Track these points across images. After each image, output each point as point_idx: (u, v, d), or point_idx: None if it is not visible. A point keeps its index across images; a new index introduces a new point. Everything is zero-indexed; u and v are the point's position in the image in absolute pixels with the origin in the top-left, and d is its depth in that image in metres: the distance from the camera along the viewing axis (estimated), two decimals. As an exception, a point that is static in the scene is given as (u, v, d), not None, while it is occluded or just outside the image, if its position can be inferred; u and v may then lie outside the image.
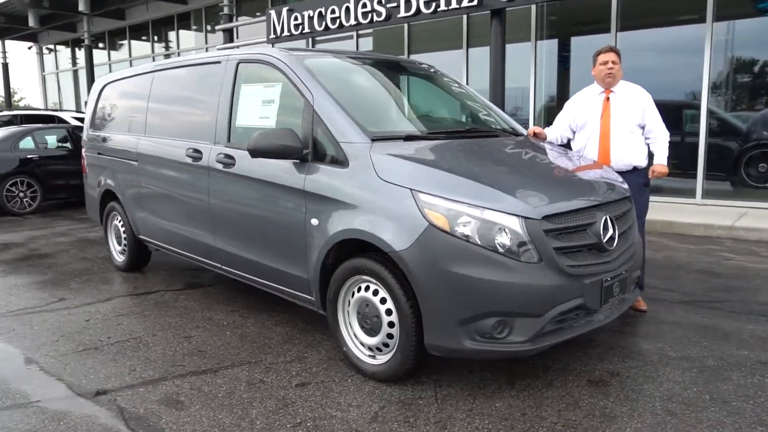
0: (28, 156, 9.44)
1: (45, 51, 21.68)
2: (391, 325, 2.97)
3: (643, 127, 4.11)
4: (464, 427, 2.62)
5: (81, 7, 14.43)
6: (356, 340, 3.19)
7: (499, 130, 3.98)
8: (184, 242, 4.48)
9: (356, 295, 3.13)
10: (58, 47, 21.04)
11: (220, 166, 3.92)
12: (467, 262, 2.69)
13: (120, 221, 5.39)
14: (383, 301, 2.99)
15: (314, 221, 3.24)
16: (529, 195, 2.86)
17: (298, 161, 3.35)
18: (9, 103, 20.31)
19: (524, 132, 4.20)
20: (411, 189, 2.84)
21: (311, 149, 3.30)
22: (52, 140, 9.93)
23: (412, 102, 3.98)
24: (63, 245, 6.80)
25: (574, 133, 4.31)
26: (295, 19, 10.24)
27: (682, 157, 8.11)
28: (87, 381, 3.15)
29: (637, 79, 4.24)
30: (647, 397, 2.87)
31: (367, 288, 3.07)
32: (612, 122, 4.09)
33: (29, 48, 21.63)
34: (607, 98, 4.15)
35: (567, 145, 4.38)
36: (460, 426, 2.63)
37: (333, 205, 3.14)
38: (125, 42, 17.92)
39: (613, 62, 4.08)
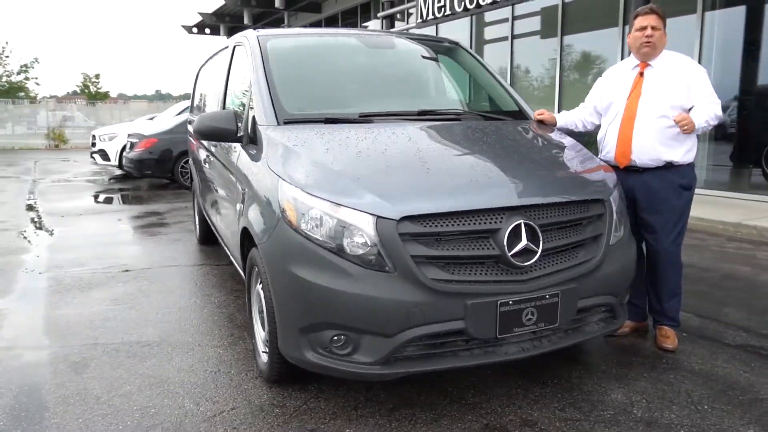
0: (202, 137, 10.82)
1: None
2: None
3: (685, 110, 3.13)
4: (285, 448, 2.32)
5: (277, 4, 15.96)
6: (259, 334, 3.03)
7: (470, 114, 3.37)
8: (211, 219, 4.74)
9: (256, 286, 2.97)
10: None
11: (213, 148, 4.03)
12: (307, 263, 2.36)
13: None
14: (267, 296, 2.78)
15: (239, 206, 3.15)
16: (397, 191, 2.38)
17: (240, 144, 3.27)
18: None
19: (531, 115, 3.52)
20: (279, 177, 2.58)
21: (246, 132, 3.20)
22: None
23: (378, 82, 3.55)
24: (188, 218, 7.66)
25: (600, 116, 3.47)
26: (438, 1, 9.97)
27: None
28: (50, 335, 3.52)
29: None
30: (530, 461, 2.22)
31: (261, 281, 2.89)
32: (641, 103, 3.19)
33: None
34: (641, 73, 3.25)
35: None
36: (282, 445, 2.34)
37: (247, 190, 3.01)
38: (322, 34, 19.39)
39: (653, 27, 3.16)
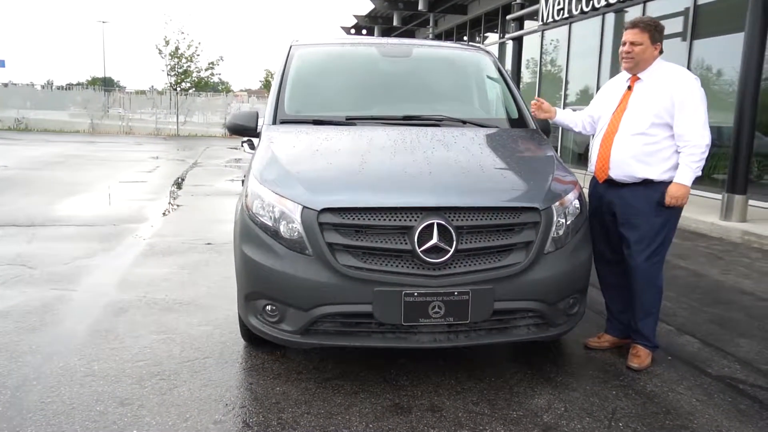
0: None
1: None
2: None
3: (670, 127, 3.04)
4: (231, 395, 2.81)
5: (420, 7, 16.54)
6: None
7: (451, 119, 3.52)
8: None
9: None
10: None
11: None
12: (252, 242, 2.80)
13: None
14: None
15: (250, 195, 3.68)
16: (325, 186, 2.73)
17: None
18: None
19: (530, 124, 3.65)
20: (251, 169, 3.05)
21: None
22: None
23: (380, 88, 3.82)
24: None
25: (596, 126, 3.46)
26: (558, 4, 9.78)
27: None
28: (117, 286, 4.37)
29: None
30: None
31: None
32: (624, 119, 3.17)
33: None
34: (630, 87, 3.20)
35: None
36: (216, 390, 2.83)
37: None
38: (465, 35, 19.58)
39: (632, 43, 3.12)
